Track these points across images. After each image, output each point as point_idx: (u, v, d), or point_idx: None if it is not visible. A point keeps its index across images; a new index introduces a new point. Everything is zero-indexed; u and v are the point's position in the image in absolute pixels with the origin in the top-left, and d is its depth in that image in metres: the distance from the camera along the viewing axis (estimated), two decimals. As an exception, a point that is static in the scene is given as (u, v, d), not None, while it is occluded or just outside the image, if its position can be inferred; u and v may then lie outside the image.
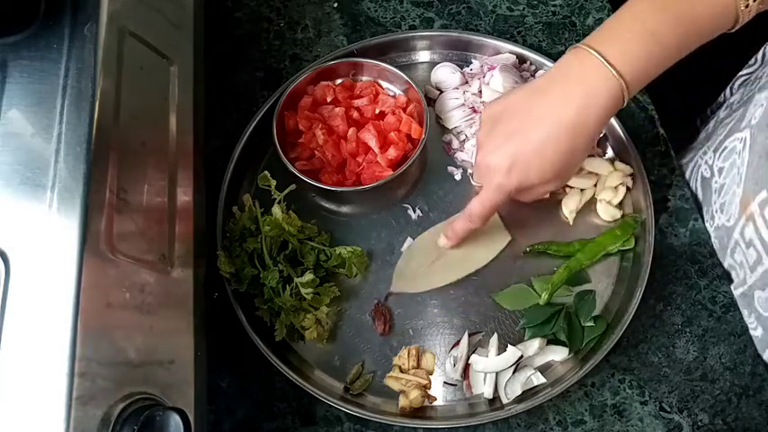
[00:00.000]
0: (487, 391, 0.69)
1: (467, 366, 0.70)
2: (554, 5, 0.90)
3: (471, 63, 0.85)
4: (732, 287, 0.73)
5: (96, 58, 0.56)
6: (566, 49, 0.86)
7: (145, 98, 0.63)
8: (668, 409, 0.69)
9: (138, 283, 0.55)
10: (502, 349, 0.70)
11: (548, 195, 0.74)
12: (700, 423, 0.68)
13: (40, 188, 0.52)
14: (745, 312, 0.72)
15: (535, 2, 0.90)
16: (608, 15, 0.88)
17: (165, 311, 0.58)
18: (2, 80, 0.56)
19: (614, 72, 0.61)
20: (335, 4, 0.91)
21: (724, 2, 0.60)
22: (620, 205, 0.76)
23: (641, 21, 0.61)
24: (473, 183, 0.75)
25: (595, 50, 0.61)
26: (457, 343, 0.71)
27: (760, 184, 0.65)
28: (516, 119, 0.65)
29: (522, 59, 0.84)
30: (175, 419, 0.47)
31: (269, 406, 0.70)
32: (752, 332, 0.71)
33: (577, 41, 0.85)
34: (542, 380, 0.69)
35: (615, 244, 0.74)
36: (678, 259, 0.75)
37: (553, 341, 0.71)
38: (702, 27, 0.62)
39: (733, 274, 0.73)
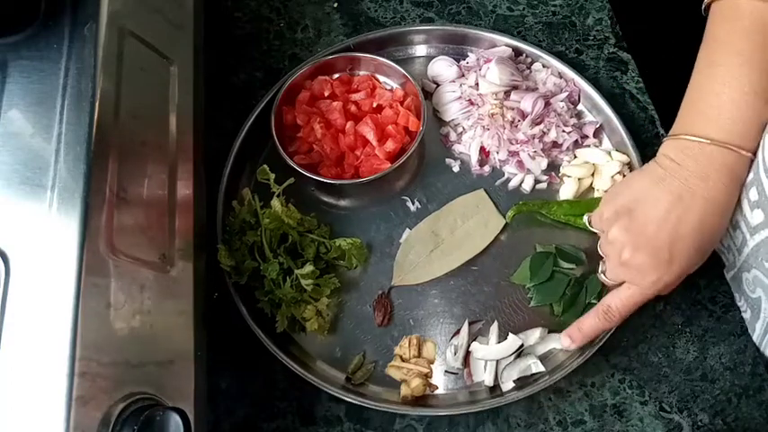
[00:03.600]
0: (488, 379, 0.69)
1: (467, 354, 0.70)
2: (554, 5, 0.90)
3: (467, 56, 0.85)
4: (725, 271, 0.73)
5: (96, 58, 0.56)
6: (566, 49, 0.87)
7: (145, 98, 0.63)
8: (668, 409, 0.69)
9: (138, 283, 0.55)
10: (502, 337, 0.70)
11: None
12: (700, 423, 0.68)
13: (40, 188, 0.52)
14: (736, 296, 0.72)
15: (535, 2, 0.90)
16: (608, 15, 0.89)
17: (165, 311, 0.57)
18: (2, 80, 0.56)
19: (736, 149, 0.58)
20: (335, 4, 0.91)
21: None
22: None
23: (736, 86, 0.59)
24: (605, 281, 0.68)
25: (703, 138, 0.59)
26: (457, 332, 0.71)
27: None
28: (659, 205, 0.60)
29: (517, 52, 0.84)
30: (175, 419, 0.47)
31: (269, 406, 0.70)
32: (743, 314, 0.72)
33: (577, 41, 0.87)
34: (541, 368, 0.69)
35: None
36: (678, 259, 0.75)
37: (554, 330, 0.72)
38: None
39: (723, 259, 0.73)
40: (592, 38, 0.88)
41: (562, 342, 0.68)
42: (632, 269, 0.62)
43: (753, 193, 0.64)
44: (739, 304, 0.72)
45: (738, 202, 0.64)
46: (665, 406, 0.69)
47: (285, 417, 0.70)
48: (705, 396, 0.69)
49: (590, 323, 0.65)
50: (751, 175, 0.64)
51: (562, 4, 0.90)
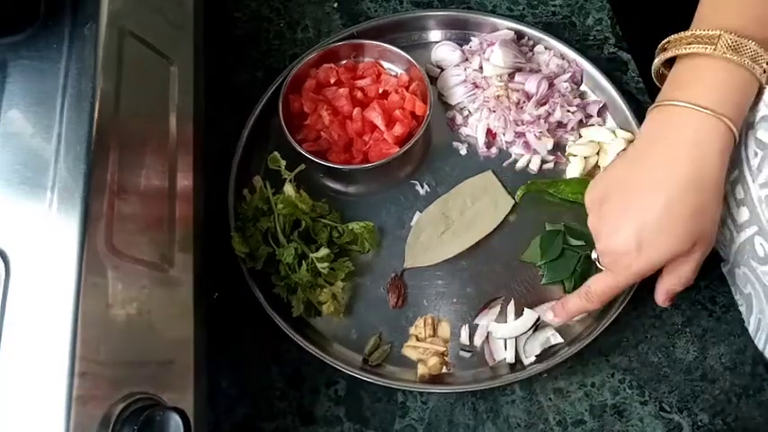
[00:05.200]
0: (509, 356, 0.71)
1: (486, 336, 0.72)
2: (554, 5, 0.90)
3: (470, 41, 0.86)
4: (722, 265, 0.74)
5: (96, 58, 0.56)
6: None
7: (145, 98, 0.63)
8: (668, 409, 0.69)
9: (138, 283, 0.55)
10: (518, 314, 0.71)
11: (694, 272, 0.63)
12: (700, 423, 0.68)
13: (40, 188, 0.52)
14: (733, 290, 0.73)
15: (535, 2, 0.90)
16: (608, 15, 0.89)
17: (165, 311, 0.58)
18: (2, 80, 0.56)
19: (712, 114, 0.55)
20: (335, 4, 0.91)
21: None
22: None
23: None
24: (599, 266, 0.67)
25: (683, 102, 0.56)
26: (474, 316, 0.73)
27: (732, 164, 0.65)
28: (626, 191, 0.59)
29: (519, 35, 0.85)
30: (175, 419, 0.47)
31: (269, 406, 0.70)
32: (740, 308, 0.72)
33: (577, 41, 0.87)
34: (559, 339, 0.71)
35: None
36: (678, 259, 0.75)
37: None
38: None
39: (721, 253, 0.74)
40: (592, 38, 0.88)
41: (547, 316, 0.70)
42: (606, 256, 0.62)
43: (738, 191, 0.63)
44: (736, 298, 0.72)
45: (725, 196, 0.64)
46: (665, 406, 0.69)
47: (285, 417, 0.70)
48: (705, 396, 0.69)
49: (574, 302, 0.66)
50: (736, 173, 0.64)
51: (562, 4, 0.90)
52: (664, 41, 0.59)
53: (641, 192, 0.58)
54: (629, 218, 0.58)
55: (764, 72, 0.56)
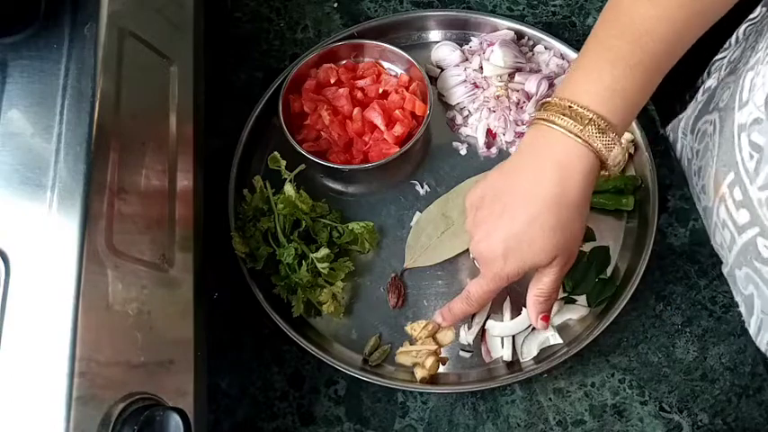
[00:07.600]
0: (506, 354, 0.70)
1: (484, 332, 0.72)
2: (554, 5, 0.90)
3: (470, 41, 0.87)
4: (722, 267, 0.74)
5: (96, 58, 0.56)
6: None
7: (145, 98, 0.63)
8: (668, 409, 0.69)
9: (138, 283, 0.55)
10: (515, 313, 0.71)
11: (554, 283, 0.65)
12: (700, 423, 0.68)
13: (40, 188, 0.52)
14: (733, 291, 0.73)
15: (535, 2, 0.90)
16: (608, 15, 0.89)
17: (165, 311, 0.58)
18: (2, 80, 0.56)
19: (581, 141, 0.58)
20: (335, 4, 0.91)
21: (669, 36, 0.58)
22: (623, 173, 0.78)
23: (598, 80, 0.59)
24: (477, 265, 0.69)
25: (556, 126, 0.59)
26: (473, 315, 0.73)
27: (728, 166, 0.66)
28: (498, 201, 0.62)
29: (519, 35, 0.86)
30: (175, 419, 0.47)
31: (269, 406, 0.70)
32: (740, 309, 0.72)
33: (577, 42, 0.87)
34: (559, 340, 0.71)
35: (608, 183, 0.76)
36: (678, 259, 0.75)
37: (570, 300, 0.72)
38: (660, 62, 0.59)
39: (720, 255, 0.74)
40: (592, 38, 0.88)
41: (435, 318, 0.71)
42: (477, 259, 0.65)
43: (737, 193, 0.64)
44: (737, 299, 0.72)
45: (724, 198, 0.64)
46: (665, 406, 0.69)
47: (285, 417, 0.70)
48: (705, 396, 0.69)
49: (457, 307, 0.68)
50: (732, 176, 0.64)
51: (562, 4, 0.90)
52: (543, 101, 0.62)
53: (509, 203, 0.61)
54: (497, 227, 0.61)
55: (617, 163, 0.60)
